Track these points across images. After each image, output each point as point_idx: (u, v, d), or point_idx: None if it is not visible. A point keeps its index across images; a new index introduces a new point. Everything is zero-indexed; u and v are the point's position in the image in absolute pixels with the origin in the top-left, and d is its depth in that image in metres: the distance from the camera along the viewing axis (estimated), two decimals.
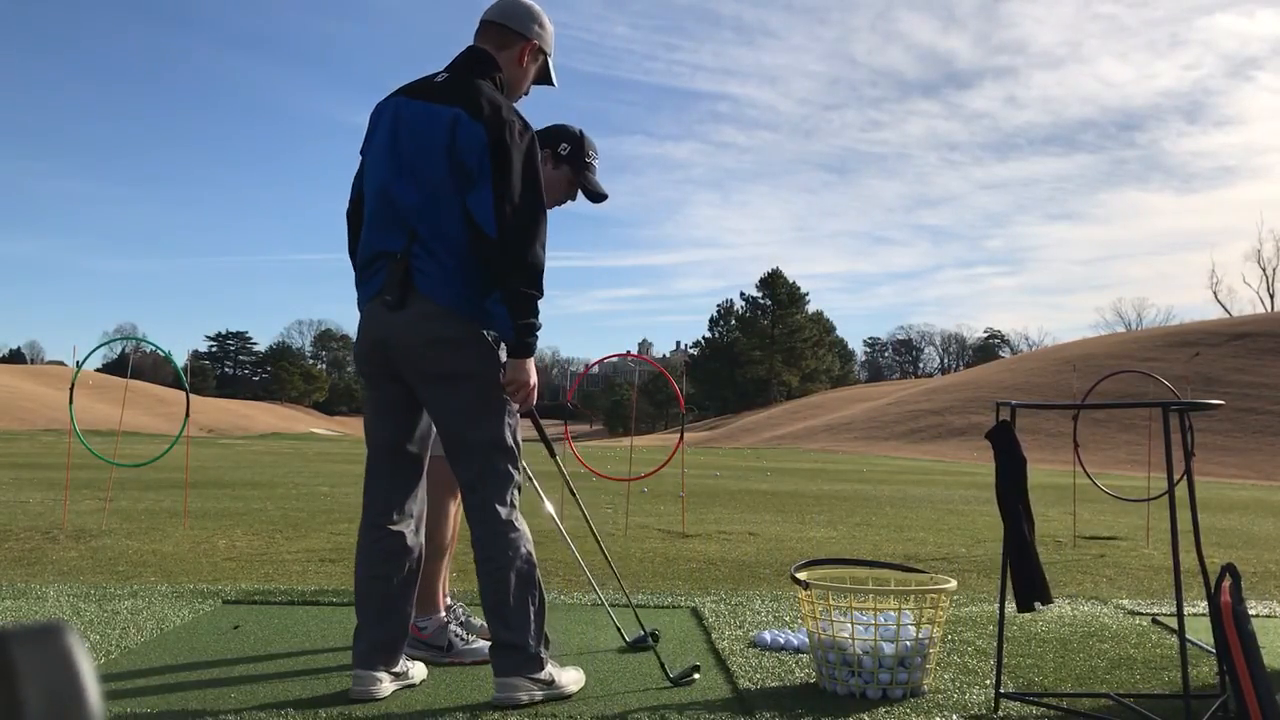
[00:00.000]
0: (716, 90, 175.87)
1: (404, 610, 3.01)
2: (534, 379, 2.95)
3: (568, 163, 3.50)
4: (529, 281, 2.84)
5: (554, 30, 3.20)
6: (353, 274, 3.09)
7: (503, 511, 2.90)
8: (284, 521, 7.91)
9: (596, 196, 3.56)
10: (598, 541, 3.72)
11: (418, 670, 3.12)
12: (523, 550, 2.91)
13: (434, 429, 3.08)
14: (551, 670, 2.92)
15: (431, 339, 2.85)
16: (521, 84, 3.14)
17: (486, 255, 2.85)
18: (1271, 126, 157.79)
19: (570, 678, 2.99)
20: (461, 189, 2.86)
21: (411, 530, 3.04)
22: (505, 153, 2.83)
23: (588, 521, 3.76)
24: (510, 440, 2.96)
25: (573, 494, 3.67)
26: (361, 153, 3.09)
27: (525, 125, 2.94)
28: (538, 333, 2.92)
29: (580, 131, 3.56)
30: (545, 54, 3.16)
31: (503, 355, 2.95)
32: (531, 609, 2.89)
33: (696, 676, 3.17)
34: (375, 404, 3.05)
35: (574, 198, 3.60)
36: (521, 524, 2.96)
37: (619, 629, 3.63)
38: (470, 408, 2.90)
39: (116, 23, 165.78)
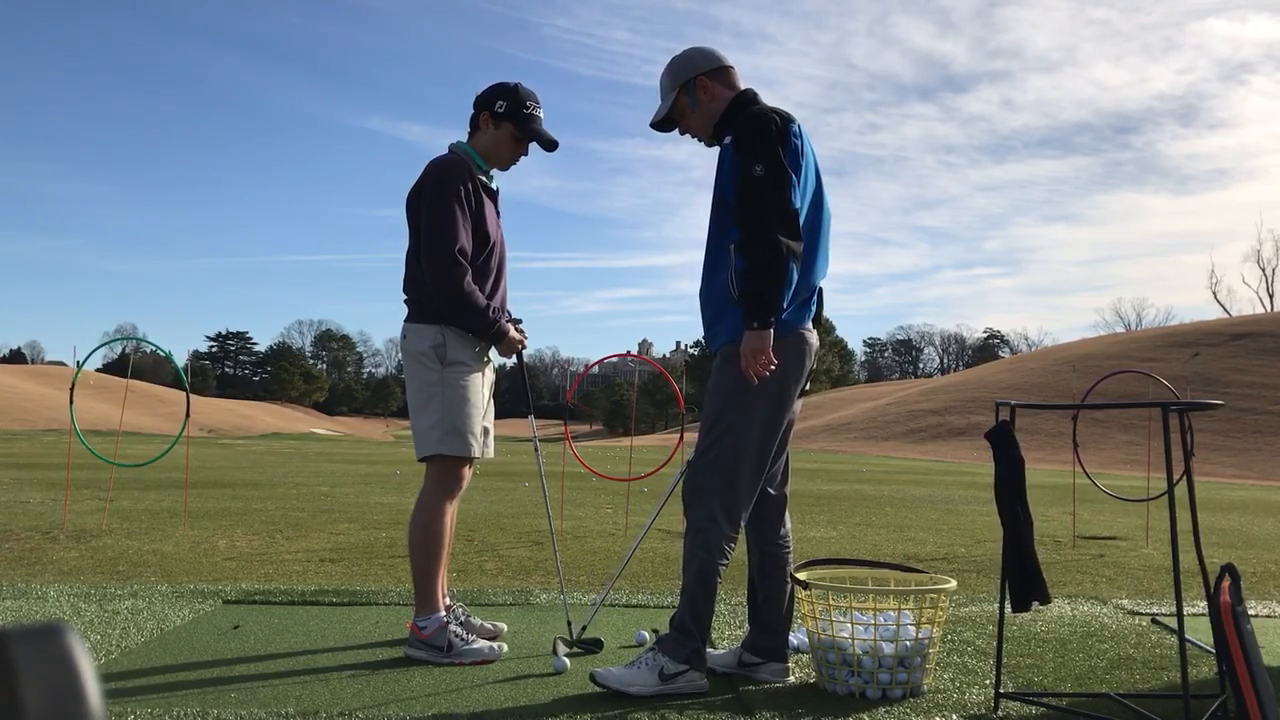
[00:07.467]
0: None
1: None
2: None
3: (507, 120, 3.45)
4: None
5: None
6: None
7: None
8: (284, 521, 7.90)
9: (547, 144, 3.51)
10: (554, 544, 3.73)
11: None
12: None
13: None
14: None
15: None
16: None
17: None
18: (1265, 130, 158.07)
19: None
20: None
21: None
22: None
23: (549, 521, 3.76)
24: None
25: (544, 494, 3.70)
26: (798, 172, 2.98)
27: None
28: None
29: (515, 85, 3.49)
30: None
31: None
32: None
33: (597, 652, 3.48)
34: (784, 423, 3.23)
35: (525, 152, 3.54)
36: None
37: (569, 624, 3.66)
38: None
39: (117, 24, 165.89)
